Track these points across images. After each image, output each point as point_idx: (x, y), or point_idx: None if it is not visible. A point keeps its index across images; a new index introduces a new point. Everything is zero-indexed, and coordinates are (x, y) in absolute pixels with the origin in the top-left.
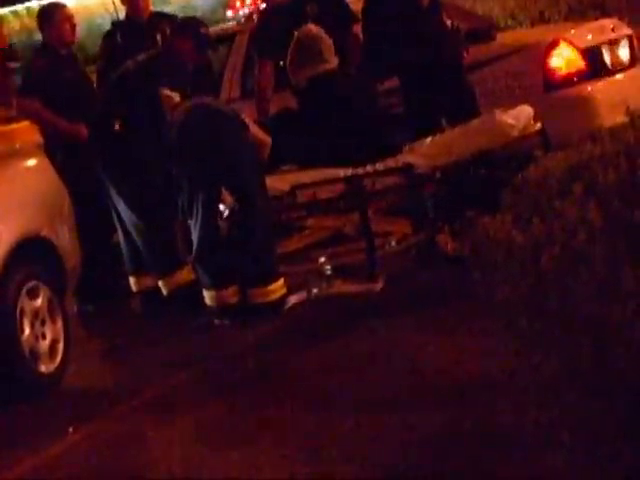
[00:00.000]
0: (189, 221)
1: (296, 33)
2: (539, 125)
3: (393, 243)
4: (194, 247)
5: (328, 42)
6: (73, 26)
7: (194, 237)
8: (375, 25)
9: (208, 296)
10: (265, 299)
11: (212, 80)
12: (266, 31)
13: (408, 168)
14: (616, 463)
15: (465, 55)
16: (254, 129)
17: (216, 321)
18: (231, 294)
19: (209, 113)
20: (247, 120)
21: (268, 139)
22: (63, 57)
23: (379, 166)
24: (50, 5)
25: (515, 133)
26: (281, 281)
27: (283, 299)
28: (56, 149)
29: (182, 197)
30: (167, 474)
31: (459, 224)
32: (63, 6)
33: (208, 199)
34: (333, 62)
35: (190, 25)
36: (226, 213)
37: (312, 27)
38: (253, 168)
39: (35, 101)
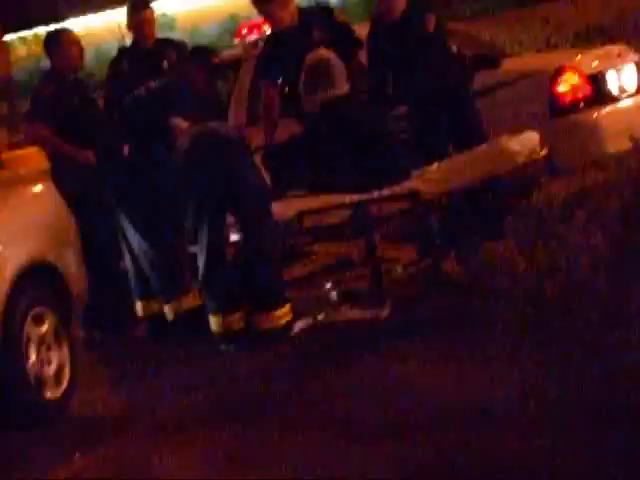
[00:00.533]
0: (194, 247)
1: (308, 57)
2: (545, 151)
3: (399, 269)
4: (200, 272)
5: (340, 67)
6: (80, 51)
7: (199, 262)
8: (378, 54)
9: (213, 321)
10: (271, 325)
11: (219, 107)
12: (271, 56)
13: (414, 194)
14: None
15: (470, 82)
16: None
17: (222, 347)
18: (237, 320)
19: (214, 139)
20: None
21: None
22: (70, 83)
23: (385, 192)
24: (57, 31)
25: (521, 159)
26: (287, 307)
27: (289, 325)
28: (64, 175)
29: (187, 222)
30: None
31: (465, 250)
32: (70, 31)
33: (213, 225)
34: (345, 87)
35: (202, 54)
36: (232, 239)
37: (324, 52)
38: (258, 194)
39: (44, 127)
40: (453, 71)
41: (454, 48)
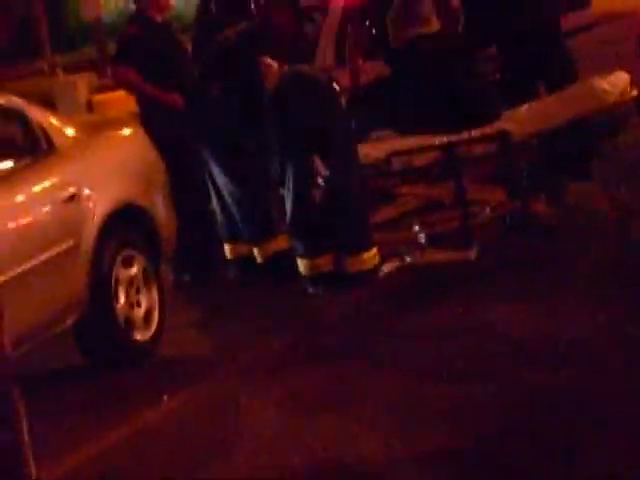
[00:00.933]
0: (282, 189)
1: None
2: (635, 92)
3: (488, 211)
4: (288, 215)
5: (429, 4)
6: None
7: (287, 205)
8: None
9: (302, 264)
10: (359, 268)
11: (308, 49)
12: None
13: (504, 135)
14: None
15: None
16: None
17: (310, 289)
18: (325, 262)
19: (302, 80)
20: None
21: None
22: (158, 25)
23: (474, 133)
24: None
25: (611, 99)
26: (374, 250)
27: (377, 268)
28: (151, 118)
29: (275, 165)
30: (262, 442)
31: (554, 192)
32: None
33: (301, 167)
34: (435, 25)
35: None
36: (320, 182)
37: None
38: (346, 136)
39: (130, 70)
40: (546, 10)
41: None
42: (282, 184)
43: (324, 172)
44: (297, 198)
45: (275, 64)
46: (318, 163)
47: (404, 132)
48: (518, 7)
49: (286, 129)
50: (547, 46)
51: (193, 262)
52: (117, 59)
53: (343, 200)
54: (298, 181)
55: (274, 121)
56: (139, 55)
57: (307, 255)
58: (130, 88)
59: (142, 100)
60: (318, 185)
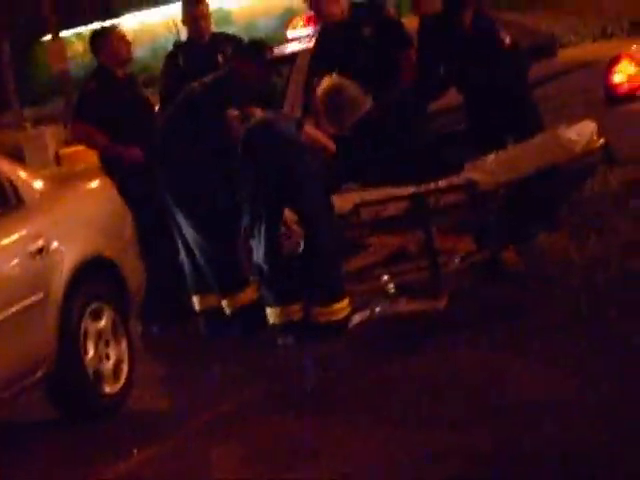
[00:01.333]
0: (251, 241)
1: (319, 89)
2: (602, 140)
3: (457, 261)
4: (257, 264)
5: (353, 86)
6: (127, 45)
7: (258, 255)
8: (428, 48)
9: (272, 313)
10: (330, 318)
11: (276, 100)
12: (322, 52)
13: (471, 185)
14: None
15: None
16: (311, 130)
17: (279, 340)
18: (295, 310)
19: (269, 129)
20: (306, 125)
21: (328, 141)
22: (119, 79)
23: (442, 183)
24: (102, 28)
25: (578, 149)
26: (346, 301)
27: (347, 319)
28: (113, 172)
29: (245, 216)
30: None
31: (523, 242)
32: (115, 28)
33: (270, 217)
34: (368, 100)
35: (257, 48)
36: (287, 231)
37: (332, 79)
38: (317, 186)
39: (88, 127)
40: (507, 62)
41: (508, 38)
42: (251, 235)
43: (294, 223)
44: (267, 248)
45: (242, 115)
46: (288, 214)
47: (372, 184)
48: (474, 64)
49: (256, 179)
50: (511, 96)
51: (162, 313)
52: (76, 116)
53: (314, 250)
54: (268, 232)
55: (244, 171)
56: (98, 110)
57: (277, 303)
58: (87, 144)
59: (102, 155)
60: (287, 235)
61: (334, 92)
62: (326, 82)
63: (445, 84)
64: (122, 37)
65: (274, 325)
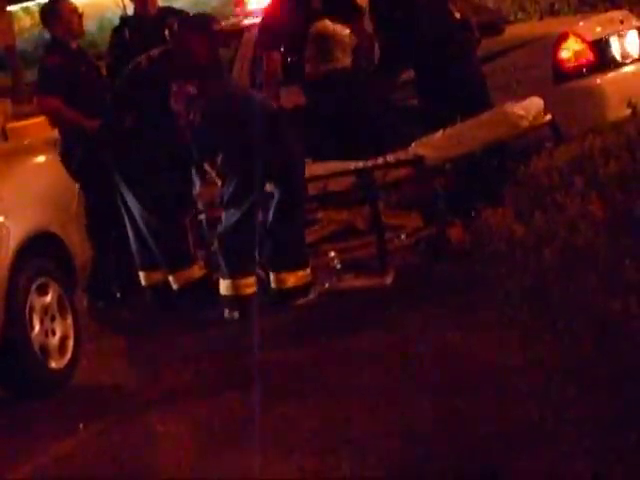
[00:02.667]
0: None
1: (313, 28)
2: (549, 116)
3: (403, 237)
4: (219, 234)
5: (344, 39)
6: (80, 18)
7: (223, 225)
8: (382, 21)
9: (224, 285)
10: (297, 283)
11: (222, 74)
12: (271, 25)
13: (419, 160)
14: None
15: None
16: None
17: (226, 314)
18: (248, 284)
19: (240, 100)
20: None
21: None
22: (74, 52)
23: (390, 158)
24: (53, 1)
25: (525, 124)
26: (308, 270)
27: (310, 286)
28: (75, 146)
29: (227, 187)
30: (177, 471)
31: (469, 217)
32: (66, 0)
33: (243, 187)
34: (348, 60)
35: (203, 22)
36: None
37: (327, 24)
38: (295, 153)
39: (56, 99)
40: (456, 38)
41: (457, 15)
42: (228, 203)
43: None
44: (243, 217)
45: (190, 87)
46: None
47: (320, 158)
48: (423, 38)
49: (226, 150)
50: (459, 74)
51: (108, 288)
52: (43, 89)
53: (288, 214)
54: (248, 200)
55: (214, 143)
56: (62, 83)
57: (231, 275)
58: (56, 117)
59: (64, 128)
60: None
61: (328, 34)
62: (325, 23)
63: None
64: (74, 9)
65: (224, 297)
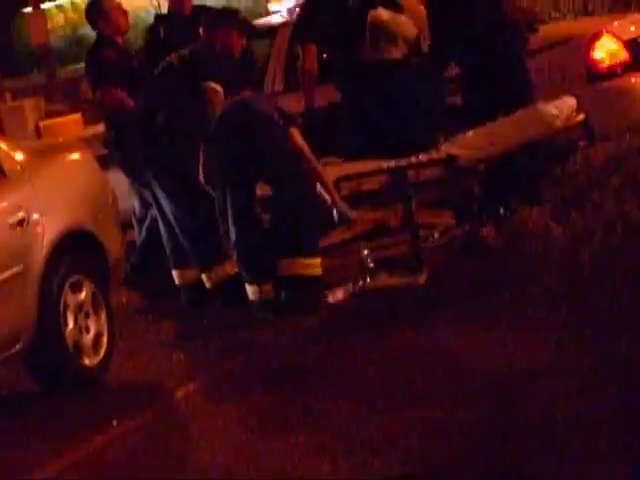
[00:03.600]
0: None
1: (369, 16)
2: (582, 116)
3: (436, 235)
4: (231, 243)
5: (396, 29)
6: (126, 14)
7: (231, 234)
8: (437, 16)
9: (250, 290)
10: (298, 271)
11: (254, 70)
12: (310, 18)
13: (451, 160)
14: None
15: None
16: (297, 137)
17: (259, 314)
18: (270, 290)
19: (245, 112)
20: (292, 129)
21: (309, 154)
22: (121, 47)
23: (422, 158)
24: None
25: (558, 124)
26: (318, 260)
27: (319, 280)
28: (127, 137)
29: (217, 195)
30: (211, 468)
31: (503, 217)
32: None
33: (241, 197)
34: (398, 52)
35: (233, 17)
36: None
37: (382, 13)
38: (289, 162)
39: (119, 91)
40: (506, 36)
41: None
42: (223, 214)
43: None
44: (239, 227)
45: (218, 87)
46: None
47: (350, 158)
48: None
49: (224, 157)
50: (505, 73)
51: (148, 284)
52: (104, 82)
53: (290, 208)
54: (239, 210)
55: (215, 150)
56: (118, 77)
57: (254, 282)
58: (120, 110)
59: (119, 121)
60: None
61: (381, 23)
62: (380, 13)
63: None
64: (118, 6)
65: (252, 301)
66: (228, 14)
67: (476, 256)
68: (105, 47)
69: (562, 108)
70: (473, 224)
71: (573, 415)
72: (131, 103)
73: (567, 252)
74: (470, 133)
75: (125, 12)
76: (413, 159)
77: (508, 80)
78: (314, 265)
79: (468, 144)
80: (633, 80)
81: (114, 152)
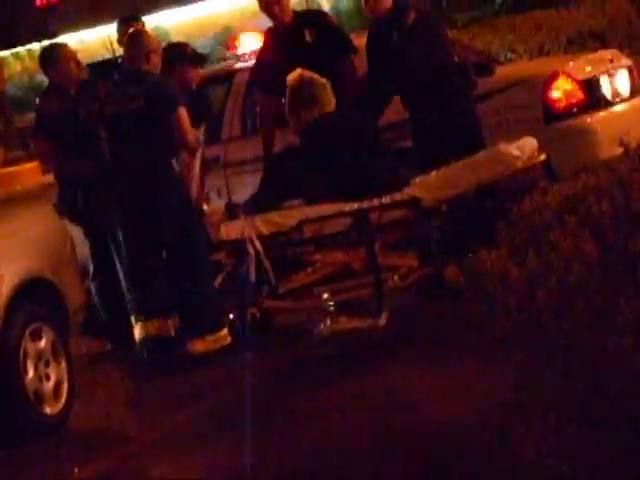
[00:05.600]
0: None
1: (289, 78)
2: (543, 156)
3: (397, 277)
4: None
5: (321, 85)
6: (77, 64)
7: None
8: (375, 59)
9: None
10: (204, 348)
11: (209, 109)
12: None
13: (414, 201)
14: None
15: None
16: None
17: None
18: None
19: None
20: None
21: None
22: (72, 96)
23: (385, 200)
24: (52, 46)
25: (520, 164)
26: (224, 331)
27: (224, 348)
28: (73, 190)
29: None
30: None
31: (463, 257)
32: (64, 46)
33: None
34: (329, 104)
35: (178, 49)
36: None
37: (304, 72)
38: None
39: (46, 142)
40: (454, 80)
41: (455, 57)
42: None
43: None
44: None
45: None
46: None
47: (313, 201)
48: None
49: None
50: (456, 116)
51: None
52: (37, 133)
53: (187, 282)
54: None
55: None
56: (58, 127)
57: (139, 319)
58: (47, 160)
59: (61, 173)
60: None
61: (305, 83)
62: (300, 73)
63: (389, 99)
64: (74, 56)
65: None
66: (174, 48)
67: (438, 297)
68: (47, 97)
69: (524, 148)
70: (436, 265)
71: (537, 457)
72: (58, 155)
73: (525, 292)
74: (432, 174)
75: (78, 62)
76: (376, 201)
77: (454, 123)
78: (222, 337)
79: (431, 185)
80: (589, 120)
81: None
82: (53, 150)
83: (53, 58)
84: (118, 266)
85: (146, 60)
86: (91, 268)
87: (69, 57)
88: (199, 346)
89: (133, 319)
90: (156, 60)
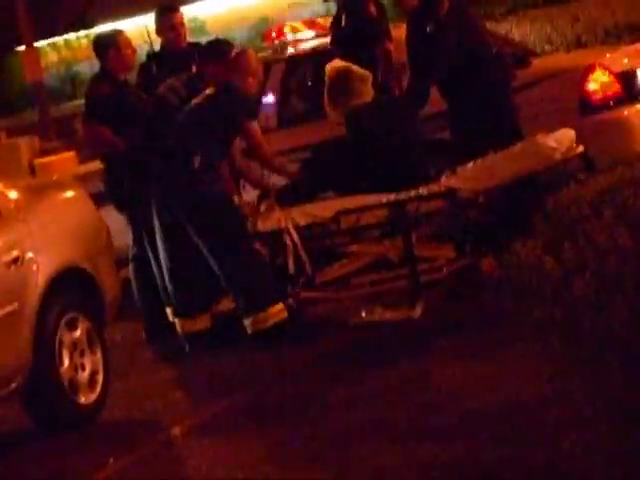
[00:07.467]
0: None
1: (327, 69)
2: (581, 148)
3: (436, 268)
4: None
5: (360, 74)
6: (134, 51)
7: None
8: (413, 50)
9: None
10: (259, 326)
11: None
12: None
13: (451, 192)
14: None
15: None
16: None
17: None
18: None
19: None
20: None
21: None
22: (122, 83)
23: (422, 191)
24: (110, 32)
25: (557, 156)
26: (277, 306)
27: (281, 323)
28: (122, 176)
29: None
30: None
31: (501, 249)
32: (123, 33)
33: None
34: (369, 94)
35: (218, 47)
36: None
37: (339, 63)
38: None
39: (106, 129)
40: (492, 71)
41: (494, 49)
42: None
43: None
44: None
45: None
46: None
47: (353, 192)
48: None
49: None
50: (495, 107)
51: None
52: (92, 118)
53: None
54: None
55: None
56: (111, 113)
57: (179, 316)
58: (102, 146)
59: (111, 159)
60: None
61: (343, 73)
62: (336, 64)
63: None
64: (130, 42)
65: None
66: (215, 46)
67: (475, 289)
68: (100, 82)
69: (561, 140)
70: (472, 257)
71: (571, 448)
72: (117, 142)
73: (560, 285)
74: (469, 166)
75: (134, 50)
76: (413, 192)
77: (492, 114)
78: (277, 312)
79: (468, 177)
80: (625, 112)
81: (108, 189)
82: (104, 134)
83: (113, 44)
84: (153, 261)
85: (240, 79)
86: (132, 251)
87: (127, 43)
88: (257, 323)
89: (170, 313)
90: (252, 82)
